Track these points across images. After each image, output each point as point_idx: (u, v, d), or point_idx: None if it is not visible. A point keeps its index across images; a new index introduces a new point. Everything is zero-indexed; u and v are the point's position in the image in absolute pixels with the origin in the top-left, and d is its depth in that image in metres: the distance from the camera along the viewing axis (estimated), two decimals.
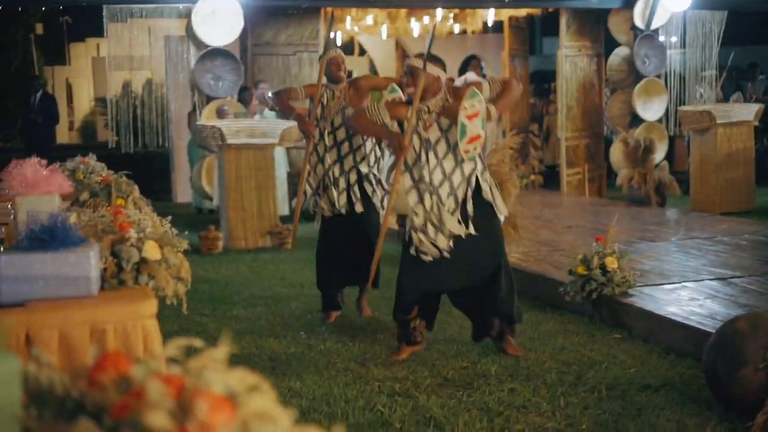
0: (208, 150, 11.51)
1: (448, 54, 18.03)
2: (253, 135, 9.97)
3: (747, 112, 11.72)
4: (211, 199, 12.08)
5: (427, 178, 5.35)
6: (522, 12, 14.58)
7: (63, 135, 21.30)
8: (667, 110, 13.44)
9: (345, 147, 6.42)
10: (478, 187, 5.43)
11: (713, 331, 4.78)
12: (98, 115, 20.67)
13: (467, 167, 5.39)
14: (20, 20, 21.08)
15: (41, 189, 3.97)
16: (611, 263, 6.27)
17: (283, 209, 11.00)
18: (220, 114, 11.37)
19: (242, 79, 11.96)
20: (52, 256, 3.20)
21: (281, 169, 11.49)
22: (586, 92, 13.56)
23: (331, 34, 16.00)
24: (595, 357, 5.43)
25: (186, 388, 1.33)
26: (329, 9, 12.55)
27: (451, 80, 17.26)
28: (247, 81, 12.19)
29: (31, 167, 4.04)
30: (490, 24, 15.93)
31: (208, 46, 11.78)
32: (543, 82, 17.11)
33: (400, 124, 5.45)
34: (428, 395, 4.77)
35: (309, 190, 6.57)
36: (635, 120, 13.23)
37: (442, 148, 5.38)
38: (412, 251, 5.40)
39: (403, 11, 15.66)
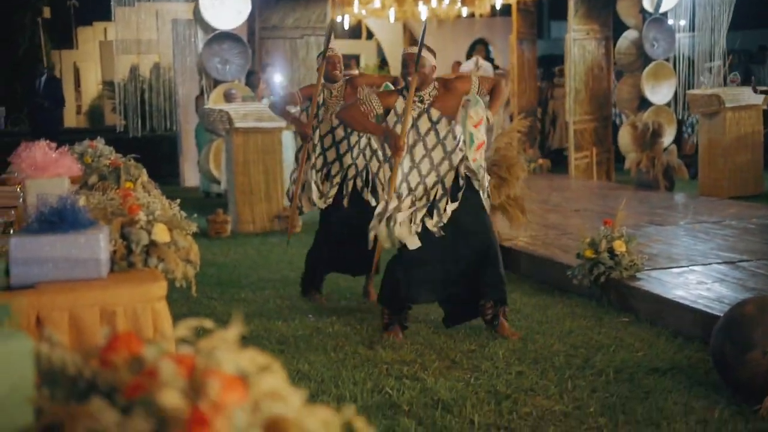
0: (215, 134, 11.51)
1: (456, 38, 18.01)
2: (260, 119, 9.96)
3: (756, 96, 11.68)
4: (218, 182, 12.10)
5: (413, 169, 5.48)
6: None
7: (70, 119, 21.33)
8: (675, 94, 13.39)
9: (344, 145, 6.52)
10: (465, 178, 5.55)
11: (721, 315, 4.78)
12: (106, 99, 20.68)
13: (455, 157, 5.47)
14: (28, 4, 21.09)
15: (51, 172, 3.97)
16: (619, 247, 6.27)
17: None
18: (228, 98, 11.36)
19: (250, 63, 11.96)
20: (62, 239, 3.21)
21: (289, 153, 11.47)
22: (594, 76, 13.51)
23: (338, 18, 16.02)
24: (602, 340, 5.44)
25: (197, 368, 1.34)
26: None
27: (458, 63, 17.07)
28: (254, 65, 12.17)
29: (41, 150, 4.04)
30: (498, 7, 15.88)
31: (215, 29, 11.77)
32: (551, 66, 17.06)
33: (387, 112, 5.51)
34: (436, 378, 4.79)
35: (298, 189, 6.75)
36: (643, 103, 13.19)
37: (431, 139, 5.44)
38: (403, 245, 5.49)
39: None
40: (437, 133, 5.43)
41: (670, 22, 13.37)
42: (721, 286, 6.07)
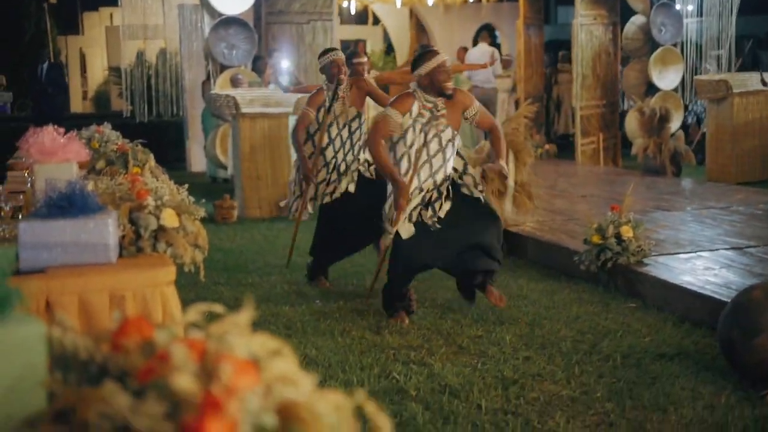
0: (222, 119, 11.51)
1: (463, 23, 17.94)
2: (267, 104, 9.96)
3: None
4: (225, 168, 12.10)
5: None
6: None
7: (77, 104, 21.35)
8: (683, 79, 13.35)
9: (357, 135, 6.65)
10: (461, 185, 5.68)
11: (728, 301, 4.78)
12: (112, 85, 20.69)
13: (449, 166, 5.59)
14: None
15: (59, 157, 3.98)
16: (626, 232, 6.26)
17: None
18: (235, 83, 11.35)
19: (256, 48, 11.93)
20: (71, 223, 3.22)
21: None
22: (601, 61, 13.46)
23: (344, 3, 15.96)
24: (609, 326, 5.44)
25: (209, 352, 1.35)
26: None
27: (464, 50, 17.06)
28: (261, 50, 12.15)
29: (49, 135, 4.04)
30: None
31: (222, 14, 11.75)
32: (558, 51, 17.01)
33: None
34: (443, 363, 4.80)
35: (297, 192, 6.83)
36: (651, 89, 13.15)
37: (434, 146, 5.53)
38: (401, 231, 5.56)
39: None
40: (440, 141, 5.51)
41: (678, 7, 13.31)
42: (728, 272, 6.06)
